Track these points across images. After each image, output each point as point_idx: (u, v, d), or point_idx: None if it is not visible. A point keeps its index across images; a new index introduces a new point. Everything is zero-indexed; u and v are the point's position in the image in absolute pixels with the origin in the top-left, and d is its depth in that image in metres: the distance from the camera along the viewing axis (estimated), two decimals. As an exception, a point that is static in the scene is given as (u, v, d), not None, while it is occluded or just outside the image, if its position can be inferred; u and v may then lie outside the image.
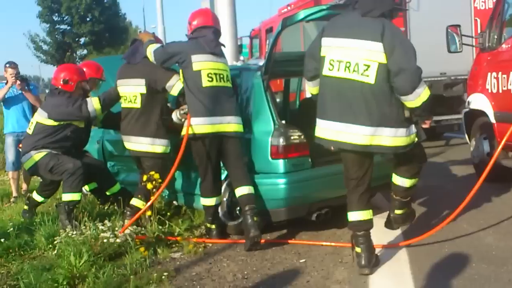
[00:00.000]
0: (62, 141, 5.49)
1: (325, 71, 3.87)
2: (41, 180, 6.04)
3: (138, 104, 5.06)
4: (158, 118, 5.08)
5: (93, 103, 5.39)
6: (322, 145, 4.05)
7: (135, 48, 5.22)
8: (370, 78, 3.68)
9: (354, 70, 3.72)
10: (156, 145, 5.08)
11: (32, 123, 5.67)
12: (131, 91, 5.10)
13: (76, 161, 5.38)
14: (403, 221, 4.50)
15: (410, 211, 4.55)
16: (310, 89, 4.24)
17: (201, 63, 4.76)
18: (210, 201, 4.89)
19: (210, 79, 4.76)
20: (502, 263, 3.96)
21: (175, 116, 4.98)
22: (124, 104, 5.21)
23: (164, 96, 5.15)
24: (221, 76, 4.84)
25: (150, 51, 4.91)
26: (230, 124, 4.79)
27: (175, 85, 4.95)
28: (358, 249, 3.94)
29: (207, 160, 4.83)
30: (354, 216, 3.98)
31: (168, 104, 5.28)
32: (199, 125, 4.72)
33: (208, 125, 4.72)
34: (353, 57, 3.73)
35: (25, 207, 5.91)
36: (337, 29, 3.89)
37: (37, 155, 5.42)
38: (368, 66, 3.68)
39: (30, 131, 5.63)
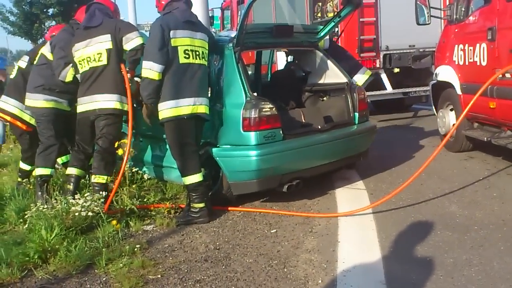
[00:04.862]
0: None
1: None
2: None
3: (104, 61, 4.88)
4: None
5: (68, 71, 5.18)
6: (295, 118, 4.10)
7: (92, 13, 5.06)
8: None
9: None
10: (124, 103, 4.94)
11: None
12: (95, 50, 4.90)
13: (51, 137, 5.31)
14: None
15: None
16: None
17: (179, 39, 4.62)
18: (196, 177, 4.69)
19: (187, 56, 4.64)
20: (466, 230, 4.12)
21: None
22: (85, 67, 4.97)
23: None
24: (197, 53, 4.72)
25: (144, 62, 4.60)
26: (202, 106, 4.69)
27: (133, 40, 4.82)
28: None
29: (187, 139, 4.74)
30: None
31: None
32: (175, 107, 4.59)
33: (184, 107, 4.60)
34: None
35: (19, 179, 5.95)
36: None
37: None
38: None
39: None
